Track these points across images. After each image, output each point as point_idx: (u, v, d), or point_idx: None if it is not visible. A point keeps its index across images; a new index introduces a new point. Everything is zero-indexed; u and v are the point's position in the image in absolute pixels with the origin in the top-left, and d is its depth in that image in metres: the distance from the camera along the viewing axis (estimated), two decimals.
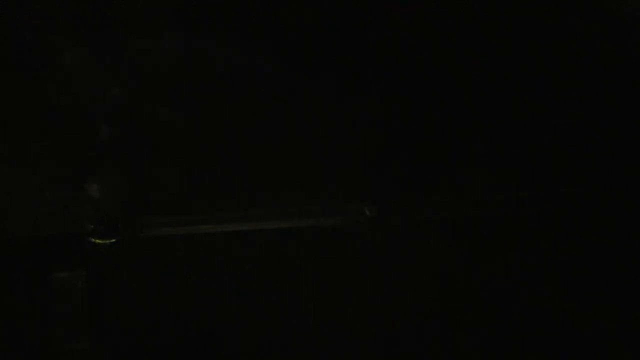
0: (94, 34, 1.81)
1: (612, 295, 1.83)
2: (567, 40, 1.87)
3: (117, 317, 1.77)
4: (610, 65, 1.88)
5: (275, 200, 1.83)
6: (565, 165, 1.89)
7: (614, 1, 1.86)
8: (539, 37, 1.84)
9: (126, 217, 1.81)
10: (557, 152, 1.88)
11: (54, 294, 1.74)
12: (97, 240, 1.78)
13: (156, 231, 1.81)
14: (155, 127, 1.84)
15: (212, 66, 1.86)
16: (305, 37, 1.86)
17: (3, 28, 1.72)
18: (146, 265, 1.80)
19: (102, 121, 1.84)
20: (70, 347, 1.74)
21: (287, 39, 1.87)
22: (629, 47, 1.87)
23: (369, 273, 1.82)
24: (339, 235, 1.82)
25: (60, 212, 1.75)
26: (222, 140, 1.86)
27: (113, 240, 1.79)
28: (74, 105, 1.78)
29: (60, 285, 1.75)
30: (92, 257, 1.77)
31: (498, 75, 1.86)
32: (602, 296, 1.83)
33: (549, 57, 1.87)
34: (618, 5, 1.86)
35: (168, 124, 1.85)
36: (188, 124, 1.86)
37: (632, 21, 1.87)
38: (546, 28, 1.82)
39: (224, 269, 1.81)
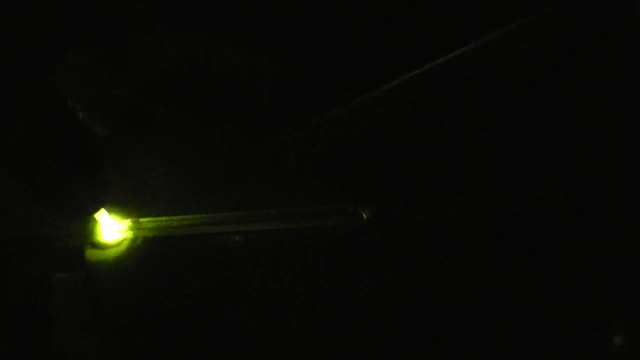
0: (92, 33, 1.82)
1: (612, 294, 1.83)
2: (566, 39, 1.87)
3: (117, 317, 1.77)
4: (611, 67, 1.88)
5: (275, 201, 1.84)
6: (565, 165, 1.89)
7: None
8: (537, 36, 1.84)
9: (126, 217, 1.81)
10: (556, 152, 1.88)
11: (54, 294, 1.75)
12: (97, 241, 1.78)
13: (156, 231, 1.82)
14: (155, 127, 1.84)
15: (213, 66, 1.86)
16: (305, 41, 1.87)
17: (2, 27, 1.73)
18: (146, 265, 1.80)
19: (101, 121, 1.84)
20: (70, 347, 1.74)
21: (289, 42, 1.87)
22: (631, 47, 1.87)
23: (368, 273, 1.82)
24: (338, 235, 1.82)
25: (60, 212, 1.76)
26: (222, 141, 1.86)
27: (113, 240, 1.79)
28: (74, 106, 1.79)
29: (60, 285, 1.75)
30: (91, 258, 1.77)
31: (497, 75, 1.86)
32: (601, 296, 1.83)
33: (549, 57, 1.87)
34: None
35: (167, 124, 1.85)
36: (188, 124, 1.86)
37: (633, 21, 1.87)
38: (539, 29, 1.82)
39: (224, 269, 1.81)
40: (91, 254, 1.77)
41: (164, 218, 1.82)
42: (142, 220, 1.81)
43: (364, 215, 1.82)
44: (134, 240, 1.80)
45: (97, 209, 1.76)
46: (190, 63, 1.86)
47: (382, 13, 1.87)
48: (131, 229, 1.81)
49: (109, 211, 1.79)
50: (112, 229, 1.79)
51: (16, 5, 1.72)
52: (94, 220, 1.77)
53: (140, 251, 1.80)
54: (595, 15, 1.85)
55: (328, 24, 1.87)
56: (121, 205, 1.81)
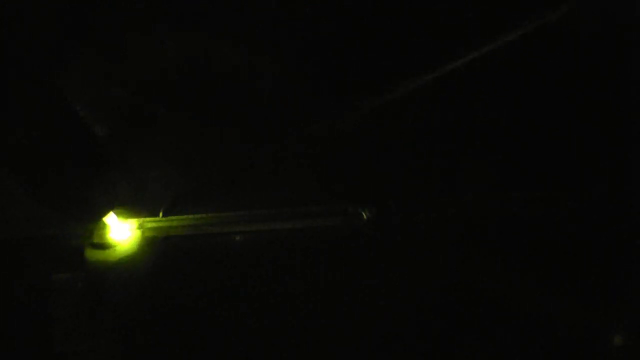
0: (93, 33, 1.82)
1: (612, 294, 1.83)
2: (566, 39, 1.87)
3: (117, 317, 1.77)
4: (611, 67, 1.88)
5: (275, 202, 1.84)
6: (565, 165, 1.89)
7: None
8: (537, 36, 1.84)
9: (127, 218, 1.81)
10: (556, 152, 1.88)
11: (54, 294, 1.75)
12: (99, 241, 1.78)
13: (157, 231, 1.82)
14: (155, 127, 1.85)
15: (213, 66, 1.86)
16: (305, 41, 1.87)
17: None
18: (146, 265, 1.80)
19: (102, 121, 1.84)
20: (69, 347, 1.74)
21: (289, 42, 1.87)
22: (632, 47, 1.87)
23: (368, 273, 1.82)
24: (338, 235, 1.82)
25: (60, 212, 1.76)
26: (222, 141, 1.86)
27: (114, 240, 1.79)
28: (74, 106, 1.79)
29: (60, 285, 1.75)
30: (92, 258, 1.77)
31: (497, 75, 1.86)
32: (601, 296, 1.83)
33: (549, 57, 1.88)
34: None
35: (167, 124, 1.85)
36: (188, 124, 1.86)
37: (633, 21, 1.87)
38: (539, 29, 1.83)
39: (224, 269, 1.81)
40: (91, 254, 1.78)
41: (165, 218, 1.82)
42: (143, 220, 1.81)
43: (364, 215, 1.82)
44: (134, 240, 1.80)
45: (104, 211, 1.75)
46: (190, 63, 1.86)
47: (382, 13, 1.87)
48: (132, 229, 1.81)
49: (112, 212, 1.79)
50: (113, 230, 1.79)
51: (16, 5, 1.72)
52: (100, 221, 1.77)
53: (141, 251, 1.80)
54: (595, 15, 1.85)
55: (328, 24, 1.87)
56: (123, 205, 1.81)
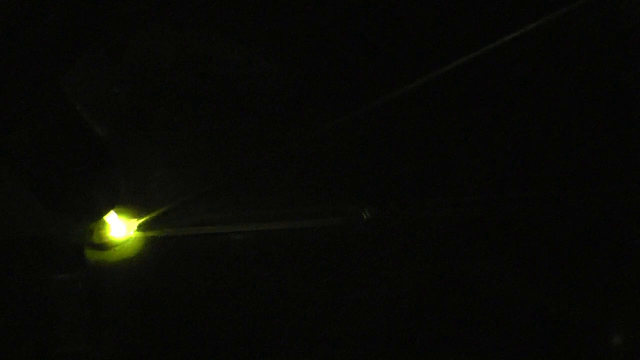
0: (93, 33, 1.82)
1: (612, 294, 1.84)
2: (566, 39, 1.87)
3: (117, 318, 1.77)
4: (611, 67, 1.88)
5: (275, 202, 1.84)
6: (565, 165, 1.89)
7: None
8: (537, 36, 1.84)
9: (127, 218, 1.81)
10: (556, 152, 1.89)
11: (54, 294, 1.75)
12: (99, 241, 1.78)
13: (156, 231, 1.82)
14: (155, 127, 1.85)
15: (213, 66, 1.86)
16: (306, 41, 1.87)
17: None
18: (146, 266, 1.80)
19: (102, 122, 1.84)
20: (70, 347, 1.74)
21: (289, 42, 1.87)
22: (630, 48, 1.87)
23: (368, 273, 1.82)
24: (338, 235, 1.82)
25: (60, 212, 1.76)
26: (223, 142, 1.86)
27: (115, 240, 1.79)
28: (74, 106, 1.79)
29: (60, 285, 1.75)
30: (92, 258, 1.77)
31: (497, 75, 1.87)
32: (601, 296, 1.83)
33: (550, 57, 1.88)
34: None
35: (167, 124, 1.86)
36: (188, 124, 1.86)
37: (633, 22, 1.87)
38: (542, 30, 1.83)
39: (224, 269, 1.81)
40: (91, 254, 1.78)
41: (164, 218, 1.82)
42: (142, 220, 1.82)
43: (364, 215, 1.82)
44: (134, 240, 1.81)
45: (104, 211, 1.75)
46: (190, 63, 1.86)
47: (382, 13, 1.87)
48: (132, 229, 1.81)
49: (112, 212, 1.79)
50: (114, 229, 1.79)
51: (16, 5, 1.72)
52: (100, 221, 1.77)
53: (141, 251, 1.80)
54: (595, 15, 1.86)
55: (328, 24, 1.87)
56: (123, 205, 1.81)
